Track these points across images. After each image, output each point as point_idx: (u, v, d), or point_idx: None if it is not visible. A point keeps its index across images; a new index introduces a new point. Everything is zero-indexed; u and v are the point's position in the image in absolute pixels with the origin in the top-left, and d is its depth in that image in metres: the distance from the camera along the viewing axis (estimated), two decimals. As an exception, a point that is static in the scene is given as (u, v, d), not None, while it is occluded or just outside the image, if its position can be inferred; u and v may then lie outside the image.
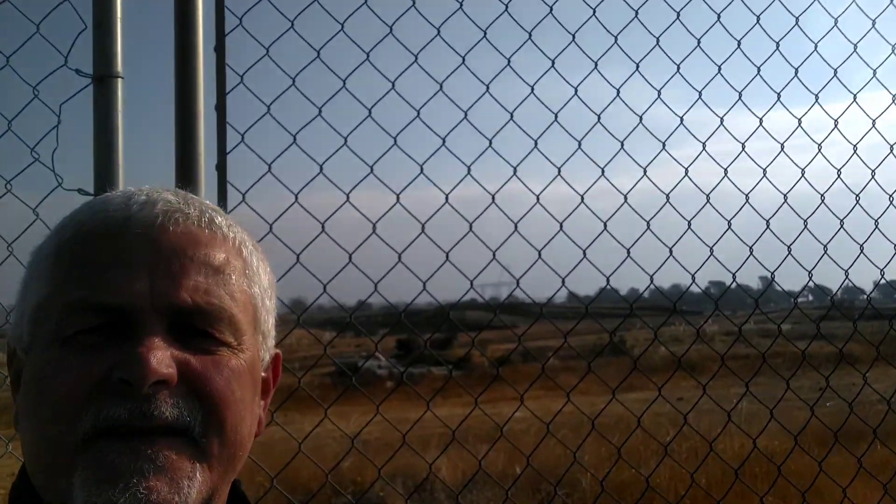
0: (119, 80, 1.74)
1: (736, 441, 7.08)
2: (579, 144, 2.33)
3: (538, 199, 2.26)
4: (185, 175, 1.73)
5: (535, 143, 2.29)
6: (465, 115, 2.19)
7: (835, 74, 2.68)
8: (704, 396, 2.46)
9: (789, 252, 2.54)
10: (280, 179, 1.92)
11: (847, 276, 2.61)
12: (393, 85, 2.09)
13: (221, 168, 1.78)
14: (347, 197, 2.04)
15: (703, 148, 2.52)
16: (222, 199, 1.76)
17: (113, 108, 1.73)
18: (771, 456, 3.10)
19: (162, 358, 0.70)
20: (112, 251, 0.75)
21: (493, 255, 2.18)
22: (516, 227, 2.22)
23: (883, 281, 2.77)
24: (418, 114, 2.14)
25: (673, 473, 6.43)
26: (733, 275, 2.52)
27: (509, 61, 2.27)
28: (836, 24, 2.66)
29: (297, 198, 1.96)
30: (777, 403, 2.57)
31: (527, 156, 2.27)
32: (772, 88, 2.63)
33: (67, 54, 1.77)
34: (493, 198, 2.22)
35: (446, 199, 2.17)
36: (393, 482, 7.46)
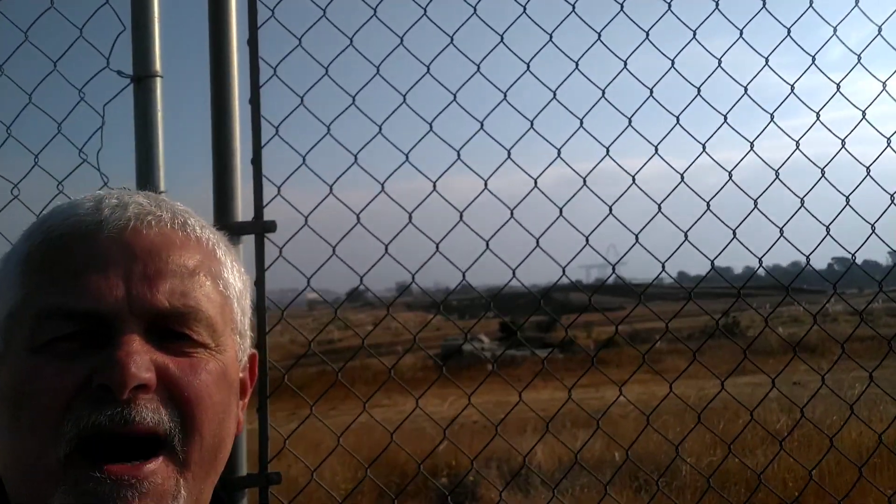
0: (158, 79, 1.76)
1: (854, 430, 6.64)
2: (678, 120, 2.24)
3: (634, 179, 2.21)
4: (221, 171, 1.75)
5: (630, 122, 2.24)
6: (554, 94, 2.16)
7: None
8: (817, 381, 2.34)
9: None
10: (315, 172, 1.92)
11: None
12: (428, 69, 2.05)
13: (257, 162, 1.79)
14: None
15: (818, 118, 2.37)
16: (258, 193, 1.78)
17: (152, 107, 1.75)
18: (870, 447, 2.92)
19: (141, 362, 0.70)
20: (85, 255, 0.74)
21: (587, 240, 2.16)
22: (611, 210, 2.19)
23: None
24: (505, 96, 2.13)
25: (783, 464, 6.09)
26: (852, 255, 2.38)
27: (599, 36, 2.22)
28: None
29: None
30: None
31: (620, 134, 2.23)
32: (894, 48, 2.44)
33: (109, 56, 1.80)
34: (585, 180, 2.19)
35: (535, 184, 2.16)
36: (488, 466, 7.50)
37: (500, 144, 2.12)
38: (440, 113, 2.04)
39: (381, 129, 2.01)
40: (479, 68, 2.12)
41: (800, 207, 2.30)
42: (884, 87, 2.46)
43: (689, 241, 2.21)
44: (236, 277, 0.86)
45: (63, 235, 0.76)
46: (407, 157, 2.05)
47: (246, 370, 0.90)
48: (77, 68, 1.91)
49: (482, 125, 2.08)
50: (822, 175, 2.34)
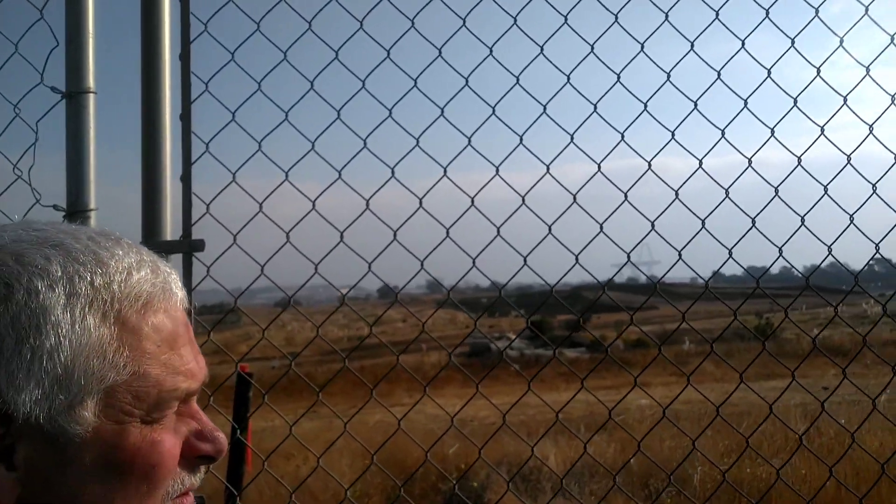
0: (91, 95, 1.73)
1: (876, 439, 6.46)
2: (745, 103, 2.19)
3: (700, 162, 2.17)
4: (150, 188, 1.73)
5: (695, 105, 2.19)
6: (568, 80, 2.14)
7: None
8: (847, 386, 2.26)
9: None
10: (245, 189, 1.91)
11: None
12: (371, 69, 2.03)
13: (186, 179, 1.76)
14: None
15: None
16: (187, 211, 1.75)
17: (84, 123, 1.73)
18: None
19: None
20: (177, 327, 0.77)
21: (652, 225, 2.12)
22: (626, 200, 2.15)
23: None
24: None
25: (798, 474, 5.95)
26: (876, 247, 2.30)
27: (668, 20, 2.19)
28: None
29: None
30: None
31: (686, 117, 2.19)
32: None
33: (42, 71, 1.78)
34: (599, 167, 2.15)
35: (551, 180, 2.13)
36: (498, 468, 7.44)
37: (513, 130, 2.10)
38: (375, 128, 2.02)
39: (314, 145, 1.99)
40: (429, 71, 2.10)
41: (870, 195, 2.23)
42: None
43: (715, 236, 2.16)
44: None
45: (156, 300, 0.75)
46: (339, 174, 2.04)
47: None
48: (12, 83, 1.90)
49: (468, 140, 2.06)
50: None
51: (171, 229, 1.75)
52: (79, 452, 0.68)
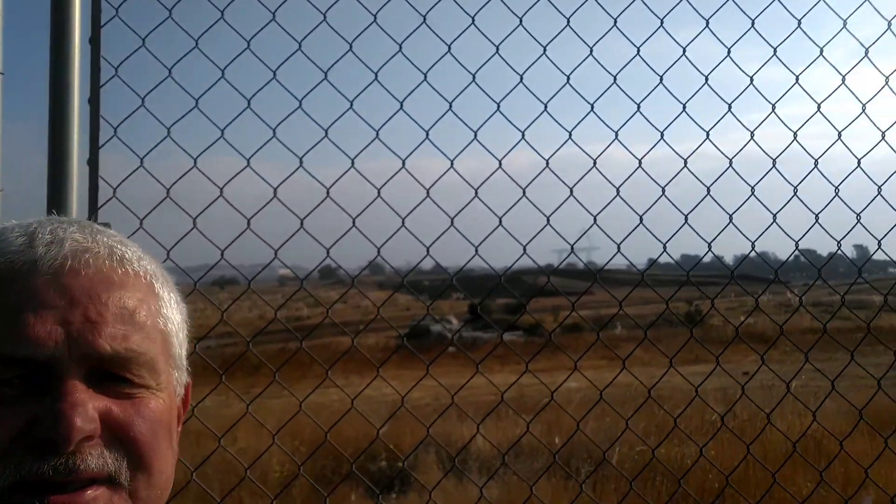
0: None
1: (785, 422, 6.76)
2: (684, 107, 2.25)
3: (640, 162, 2.20)
4: (57, 172, 1.69)
5: (639, 107, 2.23)
6: (521, 78, 2.15)
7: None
8: (765, 372, 2.37)
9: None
10: (152, 173, 1.86)
11: None
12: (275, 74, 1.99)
13: (93, 163, 1.73)
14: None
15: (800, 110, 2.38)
16: (93, 195, 1.72)
17: None
18: (825, 437, 2.97)
19: (85, 413, 0.69)
20: (21, 298, 0.72)
21: (594, 219, 2.15)
22: (572, 191, 2.18)
23: None
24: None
25: (712, 453, 6.22)
26: (840, 244, 2.41)
27: (569, 21, 2.21)
28: None
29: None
30: (838, 375, 2.44)
31: (629, 119, 2.23)
32: (861, 43, 2.47)
33: None
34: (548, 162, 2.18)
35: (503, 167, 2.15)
36: (427, 451, 7.53)
37: (468, 126, 2.12)
38: (286, 117, 2.00)
39: (223, 132, 1.95)
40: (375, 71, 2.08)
41: (791, 197, 2.32)
42: (843, 81, 2.48)
43: (646, 227, 2.22)
44: (174, 311, 0.85)
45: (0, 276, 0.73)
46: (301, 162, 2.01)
47: (181, 398, 0.90)
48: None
49: (426, 133, 2.05)
50: (815, 165, 2.36)
51: (76, 212, 1.70)
52: None
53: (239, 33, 1.95)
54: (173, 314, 0.85)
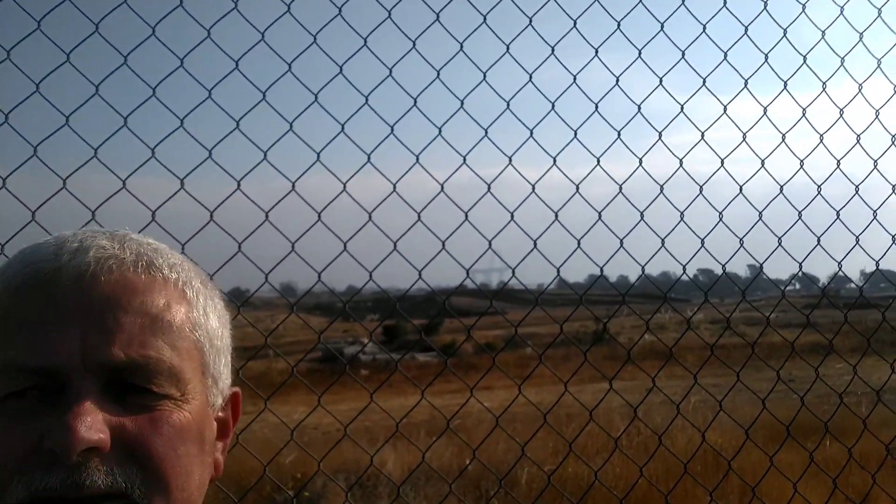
0: None
1: (684, 435, 7.03)
2: (575, 134, 2.30)
3: (534, 187, 2.24)
4: None
5: (531, 133, 2.27)
6: (415, 103, 2.15)
7: (841, 63, 2.67)
8: (671, 388, 2.45)
9: (780, 244, 2.53)
10: (48, 165, 1.78)
11: (840, 268, 2.61)
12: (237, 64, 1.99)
13: None
14: (344, 187, 2.01)
15: (702, 137, 2.50)
16: None
17: None
18: (721, 451, 3.09)
19: (92, 423, 0.66)
20: (41, 307, 0.70)
21: (489, 244, 2.16)
22: (513, 216, 2.20)
23: (874, 271, 2.77)
24: (415, 102, 2.12)
25: (617, 470, 6.39)
26: (724, 266, 2.52)
27: (508, 48, 2.24)
28: (841, 12, 2.63)
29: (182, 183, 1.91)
30: (725, 395, 2.55)
31: (522, 144, 2.26)
32: (779, 76, 2.61)
33: None
34: (489, 186, 2.20)
35: (441, 187, 2.15)
36: (336, 476, 7.40)
37: (361, 149, 2.08)
38: (192, 111, 1.93)
39: (125, 120, 1.86)
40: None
41: (679, 222, 2.41)
42: (764, 112, 2.61)
43: (582, 249, 2.26)
44: (209, 317, 0.81)
45: (21, 286, 0.72)
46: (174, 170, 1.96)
47: (227, 409, 0.87)
48: None
49: (317, 155, 2.02)
50: (700, 192, 2.46)
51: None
52: None
53: (143, 19, 1.85)
54: (207, 321, 0.80)
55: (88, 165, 1.84)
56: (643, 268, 2.40)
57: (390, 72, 2.08)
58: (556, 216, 2.23)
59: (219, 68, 1.97)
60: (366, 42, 2.05)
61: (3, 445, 0.66)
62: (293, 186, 1.97)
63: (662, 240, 2.38)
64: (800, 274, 2.75)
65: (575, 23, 2.32)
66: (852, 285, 3.22)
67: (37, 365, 0.67)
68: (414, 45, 2.11)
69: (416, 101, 2.13)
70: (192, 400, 0.75)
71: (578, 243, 2.26)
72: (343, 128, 2.03)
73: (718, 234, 2.50)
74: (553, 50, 2.28)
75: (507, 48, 2.24)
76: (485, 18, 2.19)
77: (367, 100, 2.05)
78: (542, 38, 2.27)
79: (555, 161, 2.27)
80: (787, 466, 2.62)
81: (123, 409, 0.69)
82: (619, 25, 2.38)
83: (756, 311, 3.10)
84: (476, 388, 2.25)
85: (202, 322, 0.79)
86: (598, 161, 2.33)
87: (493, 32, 2.19)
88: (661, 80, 2.43)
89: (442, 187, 2.16)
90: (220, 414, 0.84)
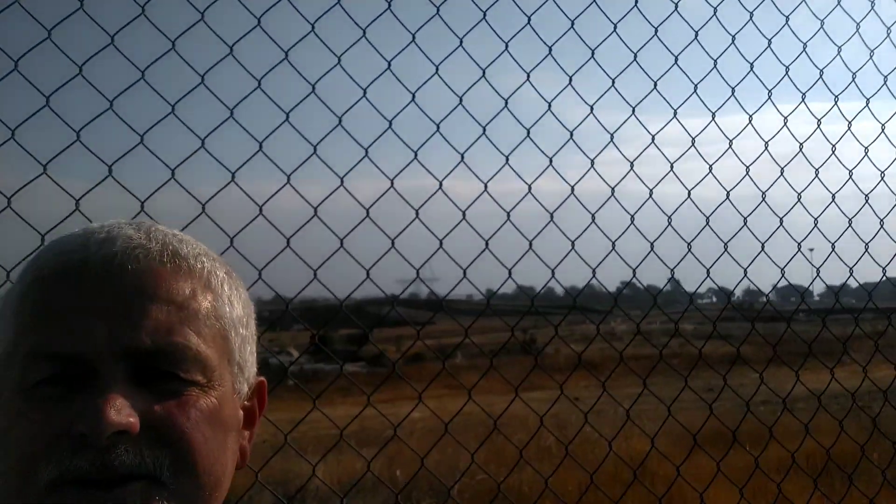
0: None
1: (626, 443, 7.22)
2: (507, 160, 2.35)
3: (464, 214, 2.28)
4: None
5: (462, 157, 2.30)
6: (390, 124, 2.18)
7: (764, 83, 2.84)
8: (594, 398, 2.52)
9: (689, 250, 2.63)
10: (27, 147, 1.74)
11: (746, 275, 2.73)
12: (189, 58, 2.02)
13: None
14: (288, 179, 2.01)
15: (631, 162, 2.60)
16: None
17: None
18: (638, 459, 3.21)
19: (121, 407, 0.67)
20: (69, 296, 0.72)
21: (436, 251, 2.19)
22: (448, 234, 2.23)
23: (784, 283, 2.93)
24: (340, 117, 2.13)
25: (551, 482, 6.51)
26: (634, 270, 2.62)
27: (437, 68, 2.27)
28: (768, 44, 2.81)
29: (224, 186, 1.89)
30: (633, 404, 2.65)
31: (456, 166, 2.30)
32: (703, 103, 2.75)
33: None
34: (441, 186, 2.22)
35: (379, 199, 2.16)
36: (262, 492, 7.27)
37: (308, 140, 2.09)
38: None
39: (78, 135, 1.82)
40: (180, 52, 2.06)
41: (628, 226, 2.48)
42: (675, 118, 2.74)
43: (497, 256, 2.31)
44: (234, 305, 0.83)
45: (50, 276, 0.74)
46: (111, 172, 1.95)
47: (253, 398, 0.89)
48: None
49: (260, 145, 2.02)
50: (613, 195, 2.56)
51: None
52: None
53: (99, 25, 1.82)
54: (232, 311, 0.82)
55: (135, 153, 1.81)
56: (594, 271, 2.47)
57: (285, 57, 2.10)
58: (509, 216, 2.27)
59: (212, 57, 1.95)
60: (258, 20, 2.05)
61: (33, 431, 0.68)
62: (233, 177, 1.95)
63: (613, 243, 2.45)
64: (715, 287, 2.89)
65: (507, 46, 2.38)
66: (763, 298, 3.39)
67: (66, 351, 0.69)
68: (340, 61, 2.13)
69: (365, 92, 2.15)
70: (219, 387, 0.77)
71: (530, 245, 2.28)
72: (287, 117, 2.02)
73: (640, 248, 2.60)
74: (484, 72, 2.33)
75: (437, 69, 2.27)
76: (413, 37, 2.22)
77: (313, 88, 2.06)
78: (472, 59, 2.33)
79: (486, 186, 2.31)
80: (707, 474, 2.74)
81: (151, 394, 0.71)
82: (550, 51, 2.46)
83: (676, 324, 3.20)
84: (405, 399, 2.27)
85: (227, 310, 0.81)
86: (530, 187, 2.38)
87: (422, 51, 2.23)
88: (591, 109, 2.53)
89: (392, 183, 2.16)
90: (245, 403, 0.86)
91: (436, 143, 2.30)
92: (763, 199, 2.79)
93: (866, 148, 2.98)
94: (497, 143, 2.38)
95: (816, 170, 2.90)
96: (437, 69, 2.27)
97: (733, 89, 2.80)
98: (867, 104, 3.08)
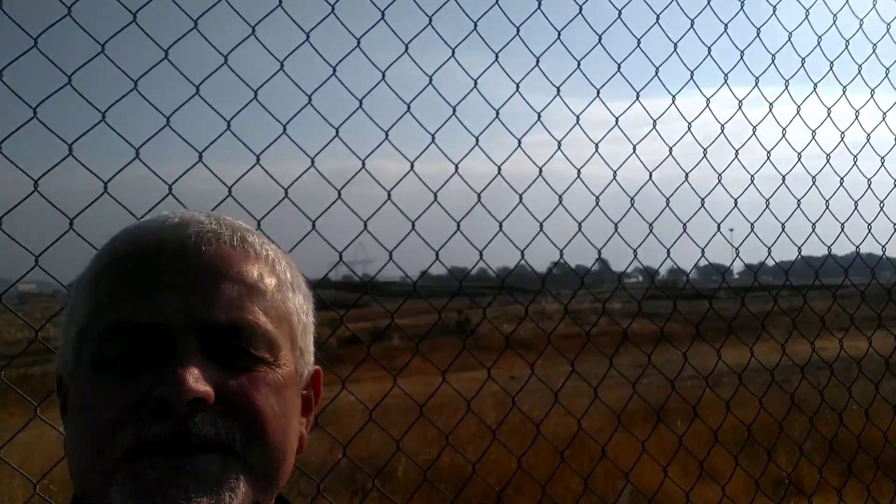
0: None
1: (553, 421, 7.37)
2: (433, 139, 2.31)
3: (389, 194, 2.23)
4: None
5: (386, 135, 2.25)
6: (310, 99, 2.10)
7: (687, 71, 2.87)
8: (533, 376, 2.53)
9: (616, 231, 2.66)
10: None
11: (669, 255, 2.78)
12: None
13: None
14: (200, 156, 1.90)
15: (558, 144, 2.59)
16: None
17: None
18: (566, 437, 3.26)
19: (199, 376, 0.71)
20: (146, 273, 0.76)
21: (313, 224, 2.12)
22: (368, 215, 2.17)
23: (704, 262, 2.99)
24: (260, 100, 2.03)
25: (490, 458, 6.61)
26: (561, 251, 2.63)
27: (359, 42, 2.20)
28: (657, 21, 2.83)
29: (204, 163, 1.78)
30: (562, 385, 2.69)
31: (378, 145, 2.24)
32: (629, 82, 2.77)
33: None
34: (365, 166, 2.16)
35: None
36: None
37: (222, 115, 1.99)
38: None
39: (104, 115, 1.76)
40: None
41: (556, 206, 2.48)
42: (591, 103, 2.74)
43: (421, 238, 2.27)
44: (296, 292, 0.87)
45: (128, 255, 0.78)
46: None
47: (310, 387, 0.92)
48: None
49: (163, 120, 1.92)
50: (540, 174, 2.55)
51: None
52: (70, 398, 0.79)
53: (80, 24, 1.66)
54: (294, 296, 0.86)
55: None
56: (522, 252, 2.45)
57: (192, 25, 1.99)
58: (436, 197, 2.23)
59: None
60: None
61: (112, 400, 0.71)
62: (141, 157, 1.84)
63: (541, 223, 2.45)
64: (640, 265, 2.93)
65: (430, 20, 2.32)
66: (686, 278, 3.47)
67: (146, 322, 0.73)
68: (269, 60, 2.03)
69: (282, 66, 2.07)
70: (284, 366, 0.80)
71: (458, 226, 2.26)
72: (192, 89, 1.92)
73: (571, 228, 2.61)
74: (406, 48, 2.27)
75: (359, 42, 2.20)
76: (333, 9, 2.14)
77: (242, 75, 1.96)
78: (397, 35, 2.26)
79: (433, 138, 2.27)
80: (639, 447, 2.79)
81: (223, 369, 0.74)
82: (475, 26, 2.42)
83: (608, 303, 3.23)
84: (343, 382, 2.23)
85: (290, 296, 0.85)
86: (457, 167, 2.36)
87: (344, 26, 2.15)
88: (517, 86, 2.50)
89: (312, 161, 2.09)
90: (303, 391, 0.89)
91: (358, 120, 2.23)
92: (686, 179, 2.84)
93: (784, 129, 3.06)
94: (426, 122, 2.33)
95: (737, 151, 2.96)
96: (358, 43, 2.19)
97: (657, 69, 2.83)
98: (786, 87, 3.16)
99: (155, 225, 0.81)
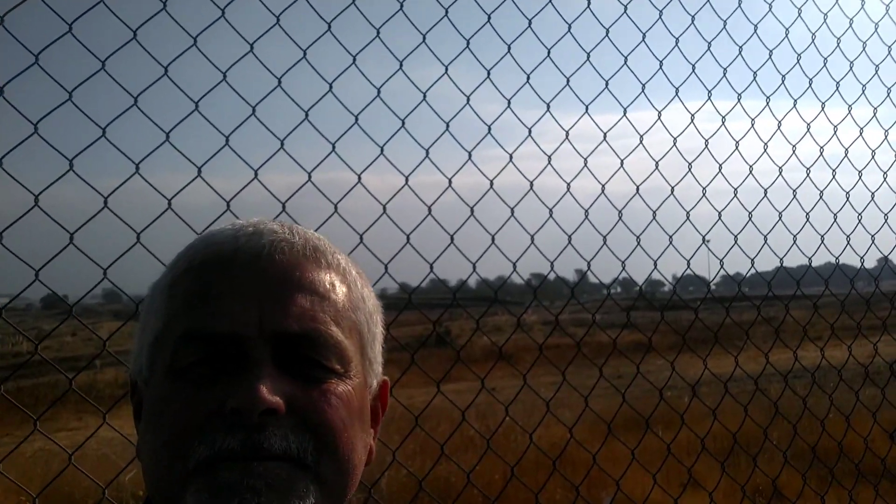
0: None
1: (537, 431, 7.37)
2: (427, 153, 2.34)
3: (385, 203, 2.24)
4: None
5: (381, 150, 2.27)
6: (306, 115, 2.12)
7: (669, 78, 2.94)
8: (511, 388, 2.55)
9: (605, 243, 2.70)
10: None
11: (656, 266, 2.83)
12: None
13: None
14: (136, 168, 1.90)
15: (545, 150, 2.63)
16: None
17: None
18: (561, 445, 3.29)
19: (271, 387, 0.71)
20: (221, 282, 0.77)
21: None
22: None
23: (689, 273, 3.04)
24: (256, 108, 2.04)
25: (475, 471, 6.60)
26: (552, 263, 2.67)
27: (305, 52, 2.23)
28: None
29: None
30: (554, 395, 2.73)
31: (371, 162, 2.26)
32: (616, 98, 2.82)
33: None
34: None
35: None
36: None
37: (159, 127, 2.00)
38: None
39: (104, 131, 1.77)
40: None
41: (547, 219, 2.51)
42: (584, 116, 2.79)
43: (413, 247, 2.29)
44: (366, 302, 0.87)
45: (203, 263, 0.79)
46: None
47: (377, 397, 0.92)
48: None
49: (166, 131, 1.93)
50: (532, 189, 2.59)
51: None
52: (145, 405, 0.79)
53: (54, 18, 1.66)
54: (364, 305, 0.86)
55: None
56: (514, 264, 2.48)
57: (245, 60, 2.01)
58: (430, 211, 2.24)
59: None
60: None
61: (187, 409, 0.72)
62: (137, 168, 1.84)
63: (532, 236, 2.47)
64: (621, 276, 2.97)
65: (424, 38, 2.36)
66: (664, 289, 3.53)
67: (219, 331, 0.74)
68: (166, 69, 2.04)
69: (222, 75, 2.05)
70: (354, 377, 0.81)
71: (451, 239, 2.27)
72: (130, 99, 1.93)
73: (553, 240, 2.64)
74: (401, 65, 2.30)
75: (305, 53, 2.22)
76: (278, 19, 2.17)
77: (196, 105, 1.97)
78: (390, 51, 2.29)
79: (407, 180, 2.29)
80: (626, 456, 2.82)
81: (294, 380, 0.75)
82: (468, 44, 2.45)
83: (583, 313, 3.28)
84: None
85: (361, 306, 0.85)
86: (450, 181, 2.38)
87: (234, 27, 2.17)
88: (509, 103, 2.54)
89: (255, 173, 2.08)
90: (371, 402, 0.89)
91: (354, 136, 2.25)
92: (672, 193, 2.90)
93: (765, 143, 3.14)
94: (419, 137, 2.35)
95: (720, 165, 3.03)
96: (354, 60, 2.21)
97: (644, 85, 2.89)
98: (767, 103, 3.24)
99: (229, 233, 0.81)
